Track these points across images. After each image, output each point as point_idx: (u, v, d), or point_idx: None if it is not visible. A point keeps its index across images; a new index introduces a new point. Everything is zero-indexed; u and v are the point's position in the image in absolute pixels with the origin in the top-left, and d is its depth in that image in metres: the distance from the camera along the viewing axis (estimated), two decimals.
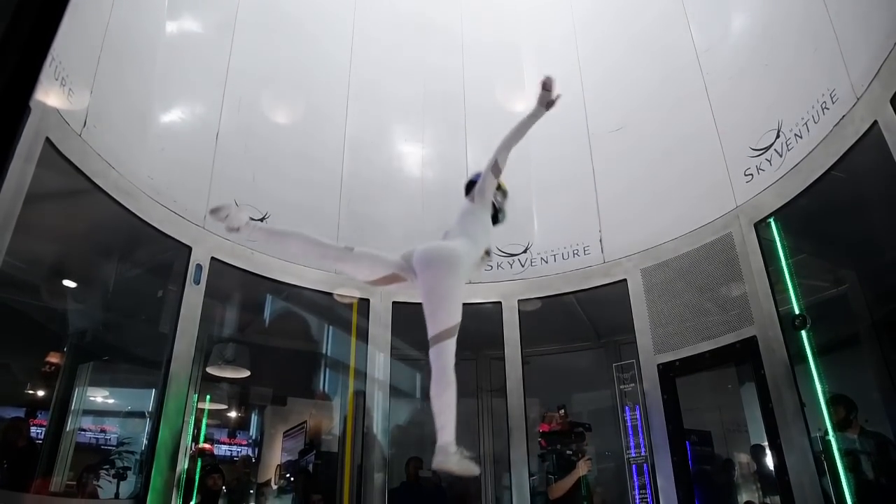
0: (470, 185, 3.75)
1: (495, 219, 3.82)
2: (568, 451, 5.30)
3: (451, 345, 3.10)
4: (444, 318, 3.12)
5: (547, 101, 3.44)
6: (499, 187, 3.78)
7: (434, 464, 3.03)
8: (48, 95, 4.06)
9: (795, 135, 4.88)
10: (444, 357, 3.06)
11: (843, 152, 4.41)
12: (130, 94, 5.18)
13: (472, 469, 3.09)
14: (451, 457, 2.97)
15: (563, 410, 5.53)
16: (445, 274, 3.23)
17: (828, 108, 4.58)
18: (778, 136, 5.04)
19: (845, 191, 4.83)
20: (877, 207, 4.83)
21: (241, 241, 5.70)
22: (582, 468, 5.22)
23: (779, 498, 4.66)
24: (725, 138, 5.52)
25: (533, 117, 3.48)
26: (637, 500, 5.39)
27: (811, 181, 4.69)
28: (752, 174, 5.22)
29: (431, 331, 3.12)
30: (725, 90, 5.62)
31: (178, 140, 5.62)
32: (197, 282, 5.27)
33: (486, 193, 3.61)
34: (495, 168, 3.56)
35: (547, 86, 3.43)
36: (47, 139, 4.02)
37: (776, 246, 4.97)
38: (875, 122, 4.11)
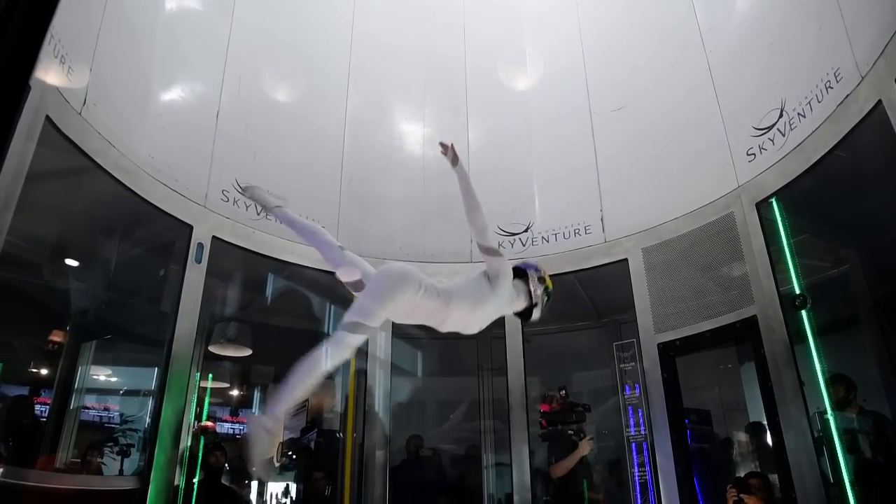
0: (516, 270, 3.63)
1: (529, 313, 3.68)
2: (569, 431, 5.34)
3: (353, 340, 3.13)
4: (367, 312, 3.14)
5: (451, 158, 3.34)
6: (542, 280, 3.66)
7: (248, 421, 2.95)
8: (48, 73, 4.03)
9: (799, 114, 4.84)
10: (340, 344, 3.13)
11: (847, 132, 4.37)
12: (130, 72, 5.14)
13: (260, 450, 2.85)
14: (258, 427, 2.87)
15: (563, 391, 5.56)
16: (386, 284, 3.23)
17: (832, 88, 4.54)
18: (781, 116, 5.00)
19: (848, 171, 4.80)
20: (879, 188, 4.80)
21: (242, 219, 5.70)
22: (584, 447, 5.27)
23: (776, 475, 4.71)
24: (728, 117, 5.48)
25: (462, 180, 3.32)
26: (636, 478, 5.45)
27: (814, 161, 4.65)
28: (754, 154, 5.20)
29: (352, 316, 3.15)
30: (729, 69, 5.57)
31: (179, 119, 5.59)
32: (198, 261, 5.28)
33: (499, 276, 3.41)
34: (484, 248, 3.37)
35: (443, 151, 3.37)
36: (47, 117, 3.99)
37: (777, 226, 4.96)
38: (879, 102, 4.07)
